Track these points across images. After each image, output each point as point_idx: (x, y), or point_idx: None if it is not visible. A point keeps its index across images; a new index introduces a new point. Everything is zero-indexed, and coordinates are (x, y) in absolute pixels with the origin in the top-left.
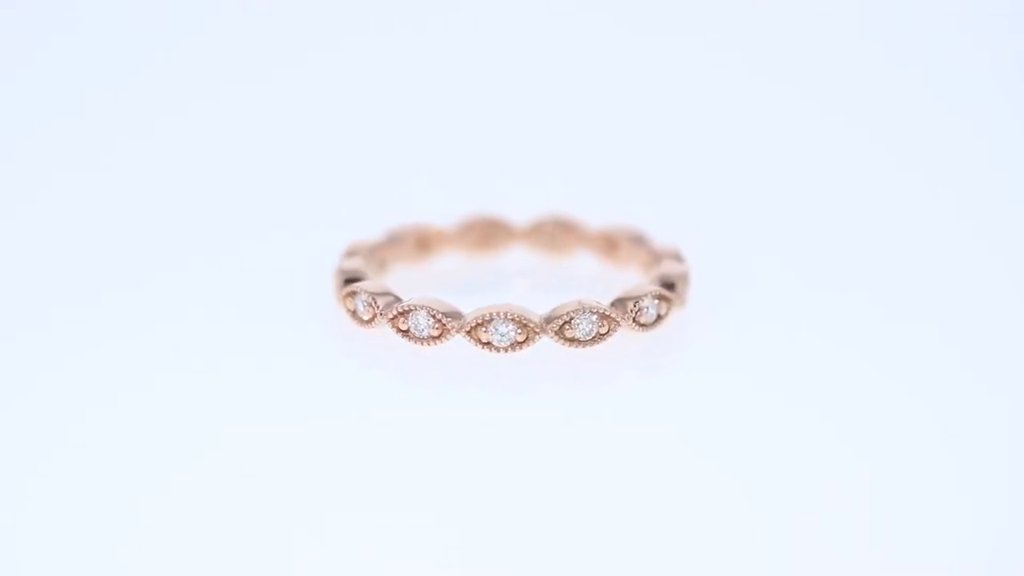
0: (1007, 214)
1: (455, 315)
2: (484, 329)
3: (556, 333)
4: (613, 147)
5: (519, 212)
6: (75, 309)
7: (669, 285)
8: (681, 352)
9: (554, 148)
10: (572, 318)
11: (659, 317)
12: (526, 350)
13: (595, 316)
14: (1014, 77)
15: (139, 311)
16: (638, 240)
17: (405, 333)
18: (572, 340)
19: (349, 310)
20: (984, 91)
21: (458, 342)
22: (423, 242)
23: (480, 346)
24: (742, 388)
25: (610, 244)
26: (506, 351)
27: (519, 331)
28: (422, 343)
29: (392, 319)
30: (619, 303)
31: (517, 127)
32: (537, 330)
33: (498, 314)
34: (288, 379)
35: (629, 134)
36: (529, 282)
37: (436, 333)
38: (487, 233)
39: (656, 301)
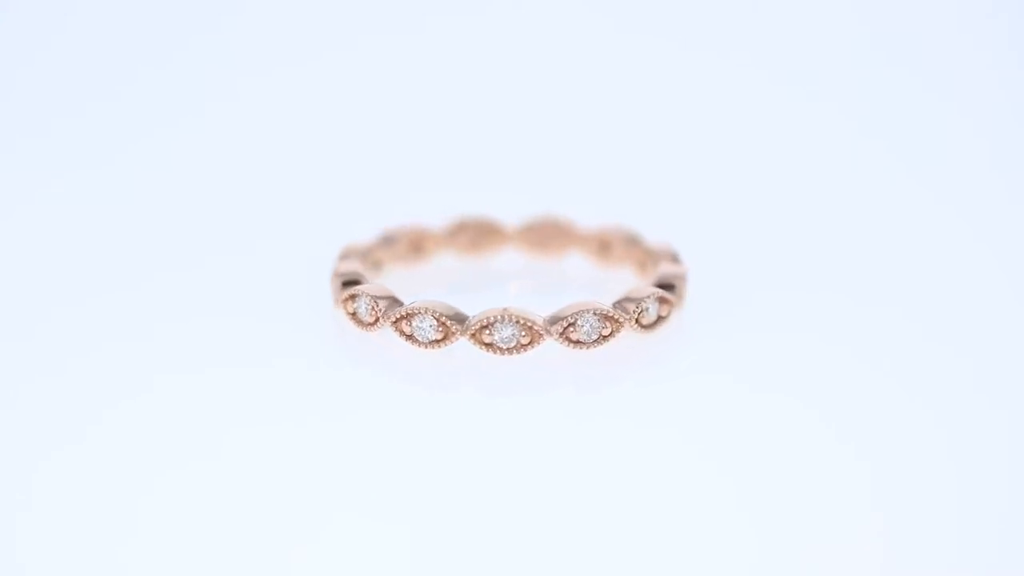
0: (1000, 215)
1: (393, 303)
2: (407, 323)
3: (472, 336)
4: (609, 149)
5: (514, 214)
6: (75, 310)
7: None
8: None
9: (551, 150)
10: (492, 323)
11: (599, 340)
12: (443, 348)
13: (515, 325)
14: (1011, 79)
15: (138, 312)
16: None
17: (353, 316)
18: (490, 346)
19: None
20: (976, 94)
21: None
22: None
23: (404, 338)
24: (737, 390)
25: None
26: (426, 347)
27: (438, 329)
28: (363, 327)
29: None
30: (553, 318)
31: (514, 129)
32: (455, 332)
33: (422, 310)
34: (284, 381)
35: (624, 136)
36: (519, 284)
37: (371, 320)
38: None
39: (595, 318)
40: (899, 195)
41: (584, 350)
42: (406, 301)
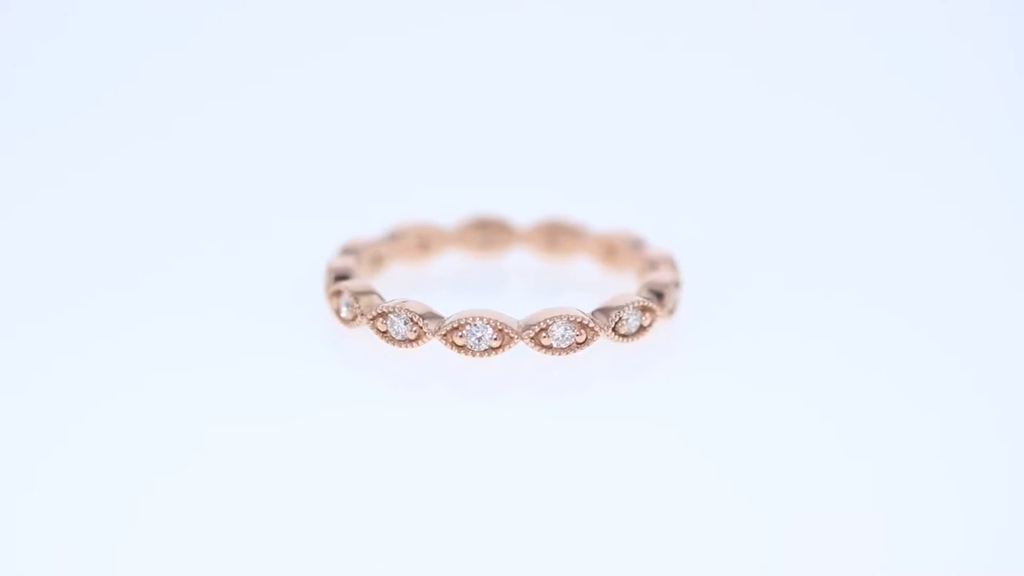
0: (999, 215)
1: (372, 300)
2: (382, 320)
3: (443, 337)
4: (615, 152)
5: (522, 214)
6: (67, 309)
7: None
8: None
9: (554, 152)
10: (462, 325)
11: (573, 346)
12: (415, 348)
13: (489, 327)
14: (1011, 80)
15: (129, 311)
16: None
17: (337, 313)
18: (462, 348)
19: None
20: (975, 94)
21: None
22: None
23: (379, 336)
24: (738, 390)
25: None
26: (399, 345)
27: (411, 328)
28: (345, 324)
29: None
30: (527, 323)
31: (522, 130)
32: (426, 332)
33: (395, 308)
34: (280, 378)
35: (629, 139)
36: (522, 284)
37: (350, 316)
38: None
39: (569, 324)
40: (898, 195)
41: (557, 356)
42: (387, 298)
